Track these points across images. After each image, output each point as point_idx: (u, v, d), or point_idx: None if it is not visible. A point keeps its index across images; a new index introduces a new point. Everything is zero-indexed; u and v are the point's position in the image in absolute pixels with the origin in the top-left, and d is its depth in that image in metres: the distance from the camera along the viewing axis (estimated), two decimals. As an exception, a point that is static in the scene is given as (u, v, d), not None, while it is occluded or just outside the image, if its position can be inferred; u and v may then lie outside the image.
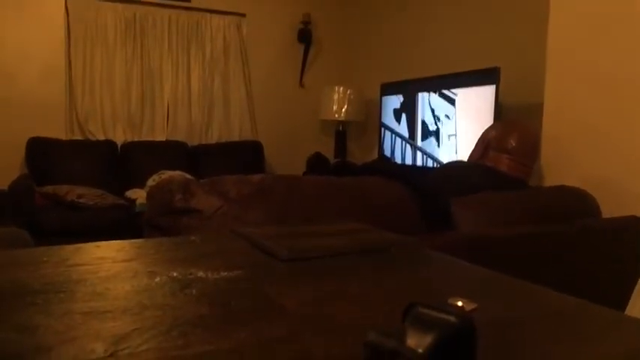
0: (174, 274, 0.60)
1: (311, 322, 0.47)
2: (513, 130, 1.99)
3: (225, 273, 0.61)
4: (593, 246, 1.57)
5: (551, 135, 2.23)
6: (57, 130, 4.06)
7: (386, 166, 1.63)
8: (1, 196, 3.47)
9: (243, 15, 4.68)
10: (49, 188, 3.55)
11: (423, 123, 3.73)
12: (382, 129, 4.19)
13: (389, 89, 4.11)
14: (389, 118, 4.12)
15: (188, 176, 3.69)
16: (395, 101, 4.06)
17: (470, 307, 0.34)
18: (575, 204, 1.72)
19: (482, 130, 2.13)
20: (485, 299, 0.45)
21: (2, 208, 3.36)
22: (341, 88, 4.51)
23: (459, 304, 0.34)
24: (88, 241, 0.78)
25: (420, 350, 0.29)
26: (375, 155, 4.46)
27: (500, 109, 3.07)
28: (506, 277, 0.62)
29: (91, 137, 4.19)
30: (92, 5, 4.17)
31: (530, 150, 1.98)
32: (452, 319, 0.30)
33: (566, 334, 0.46)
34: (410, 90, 3.85)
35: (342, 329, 0.45)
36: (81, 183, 3.68)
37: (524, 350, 0.41)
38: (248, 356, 0.39)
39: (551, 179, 2.19)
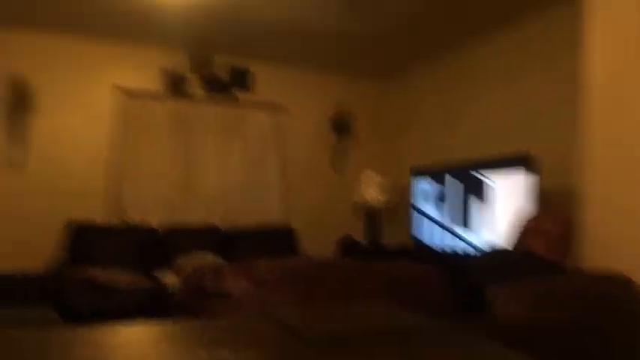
0: (203, 356, 0.59)
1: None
2: (550, 216, 1.97)
3: (253, 354, 0.60)
4: (637, 334, 1.48)
5: (590, 219, 2.17)
6: (96, 214, 4.19)
7: (419, 249, 1.61)
8: (38, 277, 3.54)
9: (281, 108, 4.90)
10: (84, 270, 3.61)
11: (456, 207, 3.70)
12: (413, 211, 4.17)
13: (420, 174, 4.13)
14: (421, 201, 4.10)
15: (217, 259, 3.71)
16: (428, 185, 4.07)
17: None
18: (618, 290, 1.64)
19: (516, 216, 2.11)
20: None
21: (37, 290, 3.41)
22: (374, 174, 4.60)
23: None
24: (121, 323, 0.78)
25: None
26: (406, 238, 4.41)
27: (536, 195, 3.03)
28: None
29: (128, 221, 4.30)
30: (141, 99, 4.46)
31: (567, 235, 1.94)
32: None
33: None
34: (441, 173, 3.86)
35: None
36: (114, 266, 3.74)
37: None
38: None
39: (590, 265, 2.12)
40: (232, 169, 4.70)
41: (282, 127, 4.91)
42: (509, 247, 1.98)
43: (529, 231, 1.95)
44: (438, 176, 3.89)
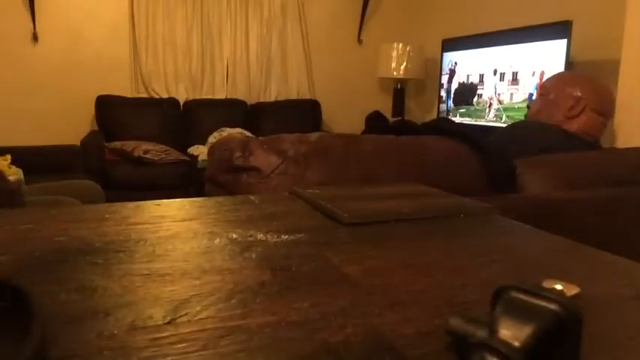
0: (234, 236, 0.58)
1: (377, 293, 0.44)
2: (583, 83, 1.84)
3: (286, 236, 0.59)
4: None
5: (628, 94, 2.06)
6: (124, 88, 4.18)
7: (447, 125, 1.56)
8: (74, 151, 3.64)
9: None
10: (117, 144, 3.69)
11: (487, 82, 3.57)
12: (442, 87, 4.04)
13: (451, 45, 3.93)
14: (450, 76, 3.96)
15: (247, 134, 3.73)
16: (459, 58, 3.89)
17: (571, 291, 0.30)
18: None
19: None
20: (577, 277, 0.40)
21: (75, 163, 3.52)
22: (400, 45, 4.36)
23: (559, 287, 0.29)
24: (153, 195, 0.78)
25: (517, 344, 0.24)
26: (434, 115, 4.32)
27: (572, 67, 2.88)
28: (591, 249, 0.57)
29: (154, 95, 4.29)
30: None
31: (607, 105, 1.84)
32: (554, 307, 0.26)
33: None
34: (473, 46, 3.67)
35: (411, 303, 0.42)
36: (147, 139, 3.80)
37: (634, 340, 0.36)
38: (311, 329, 0.37)
39: (626, 142, 2.04)
40: (252, 39, 4.53)
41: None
42: (541, 124, 1.89)
43: (561, 103, 1.84)
44: (470, 48, 3.70)
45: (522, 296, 0.27)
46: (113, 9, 4.13)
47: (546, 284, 0.30)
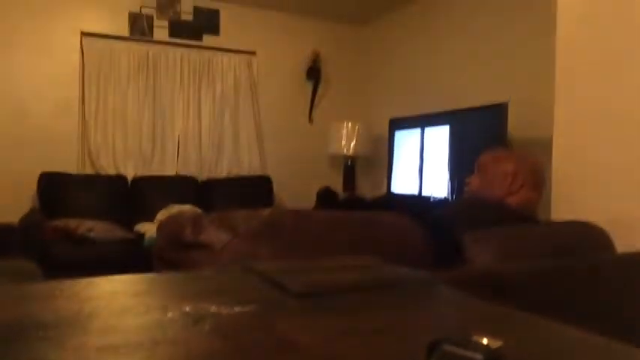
0: (187, 309, 0.59)
1: (325, 359, 0.46)
2: (517, 160, 1.96)
3: (238, 308, 0.60)
4: (608, 282, 1.54)
5: (561, 170, 2.21)
6: (69, 164, 4.11)
7: (395, 200, 1.63)
8: (12, 230, 3.49)
9: (253, 53, 4.78)
10: (59, 222, 3.57)
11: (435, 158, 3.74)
12: (391, 163, 4.20)
13: (397, 124, 4.14)
14: (399, 154, 4.13)
15: (198, 210, 3.70)
16: (406, 136, 4.08)
17: (495, 344, 0.33)
18: (589, 239, 1.69)
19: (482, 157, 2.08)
20: (505, 336, 0.44)
21: (13, 242, 3.37)
22: (349, 124, 4.55)
23: (484, 341, 0.33)
24: (98, 275, 0.78)
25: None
26: (383, 190, 4.45)
27: (509, 145, 3.08)
28: (526, 314, 0.61)
29: (102, 172, 4.23)
30: (107, 43, 4.28)
31: (541, 180, 1.96)
32: (479, 356, 0.29)
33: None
34: (418, 125, 3.87)
35: (359, 367, 0.44)
36: (91, 217, 3.71)
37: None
38: (264, 394, 0.38)
39: (561, 215, 2.17)
40: (204, 117, 4.62)
41: (255, 74, 4.81)
42: (484, 199, 1.99)
43: (492, 172, 1.94)
44: (416, 127, 3.90)
45: (452, 348, 0.30)
46: (63, 86, 4.15)
47: (474, 338, 0.33)
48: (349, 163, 4.74)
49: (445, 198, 3.49)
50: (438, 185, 3.65)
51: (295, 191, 4.75)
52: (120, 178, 4.19)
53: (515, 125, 3.17)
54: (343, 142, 4.55)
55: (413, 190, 3.89)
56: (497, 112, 3.06)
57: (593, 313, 1.45)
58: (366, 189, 5.01)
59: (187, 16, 4.52)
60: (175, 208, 3.85)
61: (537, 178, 1.96)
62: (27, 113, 4.03)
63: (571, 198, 2.17)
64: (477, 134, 3.26)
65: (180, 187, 4.30)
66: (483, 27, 3.74)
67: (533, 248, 1.53)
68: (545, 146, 2.36)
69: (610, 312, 1.51)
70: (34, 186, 3.89)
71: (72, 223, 3.55)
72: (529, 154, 2.07)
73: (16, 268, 2.23)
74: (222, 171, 4.67)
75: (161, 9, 4.42)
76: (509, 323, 0.60)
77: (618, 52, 2.01)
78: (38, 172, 3.89)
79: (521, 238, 1.57)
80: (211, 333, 0.52)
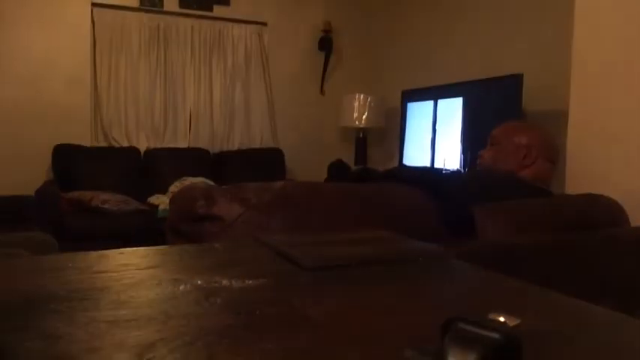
0: (199, 282, 0.59)
1: (338, 333, 0.46)
2: (532, 132, 1.93)
3: (250, 281, 0.60)
4: (621, 255, 1.53)
5: (577, 143, 2.18)
6: (82, 137, 4.13)
7: (407, 172, 1.61)
8: (28, 201, 3.54)
9: (264, 24, 4.71)
10: (74, 194, 3.61)
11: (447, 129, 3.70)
12: (402, 135, 4.16)
13: (410, 96, 4.09)
14: (411, 126, 4.09)
15: (210, 183, 3.72)
16: (418, 108, 4.03)
17: (513, 322, 0.33)
18: (603, 212, 1.67)
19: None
20: (523, 313, 0.43)
21: (29, 214, 3.42)
22: (361, 96, 4.50)
23: (501, 319, 0.32)
24: (111, 246, 0.78)
25: (462, 369, 0.27)
26: (395, 162, 4.43)
27: (524, 117, 3.03)
28: (540, 288, 0.60)
29: (115, 144, 4.25)
30: (117, 15, 4.24)
31: (555, 153, 1.94)
32: (496, 335, 0.28)
33: (612, 348, 0.44)
34: (431, 97, 3.82)
35: (370, 342, 0.44)
36: (105, 189, 3.74)
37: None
38: (275, 369, 0.38)
39: (576, 188, 2.14)
40: (215, 89, 4.59)
41: (266, 45, 4.75)
42: (498, 172, 1.96)
43: (512, 151, 1.92)
44: (429, 99, 3.85)
45: (468, 327, 0.29)
46: (74, 57, 4.14)
47: (490, 316, 0.32)
48: (361, 135, 4.71)
49: (457, 170, 3.46)
50: (450, 158, 3.62)
51: (307, 163, 4.74)
52: (133, 151, 4.21)
53: (530, 97, 3.11)
54: (355, 115, 4.51)
55: (425, 163, 3.87)
56: (512, 84, 3.01)
57: (606, 286, 1.44)
58: (378, 161, 4.98)
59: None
60: (188, 181, 3.87)
61: (551, 151, 1.93)
62: (39, 86, 4.04)
63: (586, 171, 2.14)
64: (491, 106, 3.21)
65: (193, 160, 4.31)
66: (500, -5, 3.65)
67: (546, 221, 1.52)
68: (560, 118, 2.32)
69: (624, 286, 1.50)
70: (48, 159, 3.93)
71: (86, 194, 3.58)
72: (543, 126, 2.03)
73: (33, 239, 2.26)
74: (234, 143, 4.67)
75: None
76: (526, 298, 0.59)
77: (637, 21, 1.95)
78: (52, 144, 3.91)
79: (533, 211, 1.55)
80: (223, 307, 0.52)
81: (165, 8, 4.37)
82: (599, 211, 1.67)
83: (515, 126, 2.02)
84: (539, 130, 1.95)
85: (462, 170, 3.47)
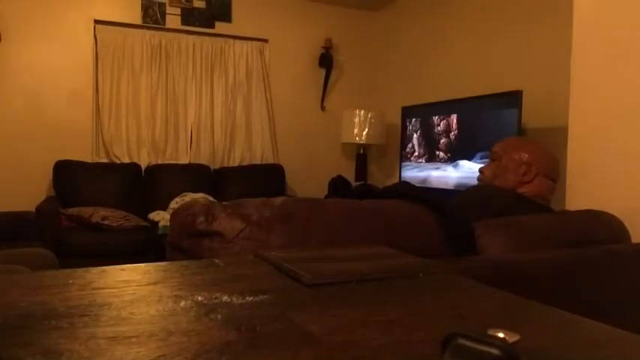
0: (200, 299, 0.59)
1: (339, 350, 0.46)
2: (532, 149, 1.93)
3: (251, 298, 0.60)
4: (622, 271, 1.52)
5: (577, 160, 2.18)
6: (83, 153, 4.14)
7: (408, 189, 1.61)
8: (29, 218, 3.54)
9: (265, 40, 4.76)
10: (74, 210, 3.61)
11: (445, 145, 3.71)
12: (403, 151, 4.17)
13: (410, 113, 4.11)
14: (411, 140, 4.10)
15: (211, 199, 3.72)
16: (418, 124, 4.05)
17: (512, 338, 0.33)
18: (604, 229, 1.67)
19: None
20: (523, 329, 0.43)
21: (29, 230, 3.42)
22: (362, 112, 4.52)
23: (501, 335, 0.32)
24: (111, 262, 0.78)
25: (462, 385, 0.27)
26: (396, 179, 4.43)
27: (524, 134, 3.04)
28: (540, 304, 0.60)
29: (116, 160, 4.26)
30: (120, 32, 4.28)
31: (555, 170, 1.94)
32: (495, 351, 0.28)
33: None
34: (431, 113, 3.84)
35: (372, 358, 0.44)
36: (106, 205, 3.74)
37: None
38: (276, 386, 0.38)
39: (576, 205, 2.14)
40: (217, 105, 4.62)
41: (267, 61, 4.79)
42: (497, 187, 1.96)
43: (513, 168, 1.92)
44: (428, 115, 3.87)
45: (467, 342, 0.29)
46: (76, 73, 4.17)
47: (490, 332, 0.32)
48: (361, 151, 4.72)
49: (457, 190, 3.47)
50: (447, 175, 3.63)
51: (307, 180, 4.74)
52: (134, 167, 4.22)
53: (530, 114, 3.13)
54: (355, 131, 4.53)
55: (426, 180, 3.87)
56: (511, 100, 3.02)
57: (607, 303, 1.44)
58: (379, 178, 4.99)
59: (199, 3, 4.51)
60: (188, 197, 3.87)
61: (552, 168, 1.94)
62: (41, 102, 4.07)
63: (586, 187, 2.14)
64: (491, 123, 3.22)
65: (194, 176, 4.32)
66: (497, 14, 3.69)
67: (547, 237, 1.52)
68: (560, 136, 2.33)
69: (625, 302, 1.49)
70: (49, 175, 3.94)
71: (86, 211, 3.58)
72: (544, 143, 2.04)
73: (33, 255, 2.26)
74: (235, 159, 4.68)
75: (173, -3, 4.42)
76: (526, 314, 0.59)
77: (636, 40, 1.96)
78: (54, 161, 3.92)
79: (534, 228, 1.55)
80: (224, 323, 0.52)
81: (168, 25, 4.41)
82: (600, 227, 1.67)
83: (516, 142, 2.03)
84: (540, 147, 1.95)
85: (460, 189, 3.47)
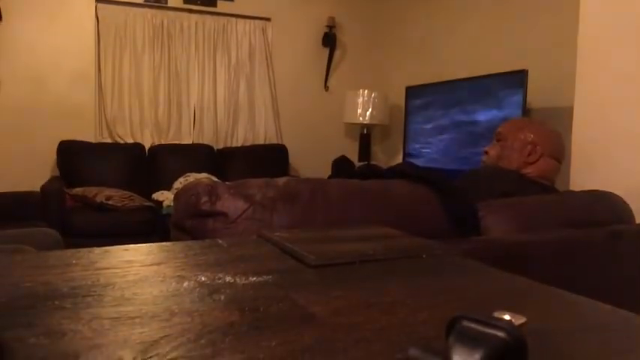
0: (203, 279, 0.59)
1: (342, 331, 0.46)
2: (537, 130, 1.91)
3: (254, 278, 0.60)
4: (627, 252, 1.52)
5: (581, 140, 2.17)
6: (87, 133, 4.14)
7: (411, 169, 1.61)
8: (33, 197, 3.56)
9: (268, 19, 4.71)
10: (78, 190, 3.62)
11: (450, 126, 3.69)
12: (406, 131, 4.15)
13: (414, 93, 4.07)
14: (414, 121, 4.08)
15: (214, 179, 3.72)
16: (422, 104, 4.02)
17: (518, 320, 0.32)
18: (608, 209, 1.66)
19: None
20: (528, 311, 0.43)
21: (34, 209, 3.44)
22: (365, 92, 4.49)
23: (507, 317, 0.32)
24: (116, 242, 0.78)
25: (467, 368, 0.27)
26: (399, 159, 4.42)
27: (529, 114, 3.02)
28: (545, 286, 0.60)
29: (119, 140, 4.26)
30: (121, 12, 4.24)
31: (560, 151, 1.93)
32: (501, 334, 0.28)
33: (620, 348, 0.44)
34: (435, 93, 3.81)
35: (375, 340, 0.44)
36: (110, 185, 3.75)
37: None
38: (279, 367, 0.38)
39: (581, 185, 2.13)
40: (219, 85, 4.59)
41: (270, 41, 4.75)
42: (501, 169, 1.95)
43: (518, 147, 1.90)
44: (433, 94, 3.84)
45: (473, 325, 0.29)
46: (78, 55, 4.15)
47: (495, 315, 0.32)
48: (365, 131, 4.70)
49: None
50: (452, 155, 3.61)
51: (311, 160, 4.73)
52: (137, 147, 4.22)
53: (535, 94, 3.10)
54: (359, 111, 4.50)
55: (430, 160, 3.86)
56: (516, 80, 2.99)
57: (611, 284, 1.44)
58: (382, 158, 4.98)
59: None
60: (192, 177, 3.88)
61: (557, 149, 1.92)
62: (44, 83, 4.05)
63: (591, 168, 2.13)
64: (496, 102, 3.20)
65: (197, 156, 4.32)
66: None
67: (551, 218, 1.51)
68: (565, 115, 2.31)
69: (629, 282, 1.50)
70: (53, 155, 3.94)
71: (91, 191, 3.59)
72: (549, 123, 2.02)
73: (38, 235, 2.27)
74: (238, 139, 4.67)
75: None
76: (531, 296, 0.59)
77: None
78: (57, 141, 3.92)
79: (538, 208, 1.55)
80: (227, 304, 0.52)
81: (170, 4, 4.37)
82: (604, 208, 1.67)
83: (521, 122, 2.01)
84: (545, 127, 1.94)
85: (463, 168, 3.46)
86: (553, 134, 1.94)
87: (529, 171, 1.87)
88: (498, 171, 1.91)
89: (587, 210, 1.63)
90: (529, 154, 1.87)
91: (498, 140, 1.97)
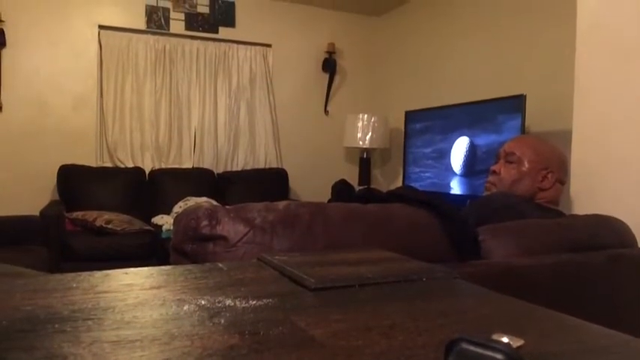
0: (203, 303, 0.59)
1: (342, 354, 0.46)
2: (552, 154, 1.88)
3: (254, 301, 0.60)
4: (627, 276, 1.51)
5: (581, 163, 2.17)
6: (88, 157, 4.16)
7: (411, 193, 1.60)
8: (33, 221, 3.55)
9: (269, 45, 4.77)
10: (78, 214, 3.62)
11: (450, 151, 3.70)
12: (406, 155, 4.17)
13: (414, 117, 4.10)
14: (414, 145, 4.09)
15: (214, 203, 3.73)
16: (422, 128, 4.04)
17: (517, 343, 0.32)
18: (611, 234, 1.66)
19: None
20: (526, 333, 0.43)
21: (33, 234, 3.43)
22: (365, 116, 4.53)
23: (505, 340, 0.32)
24: (115, 266, 0.78)
25: (466, 390, 0.27)
26: (399, 183, 4.43)
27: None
28: (545, 310, 0.60)
29: (120, 164, 4.27)
30: (124, 37, 4.30)
31: (567, 174, 1.92)
32: (499, 356, 0.28)
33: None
34: (435, 118, 3.84)
35: (375, 363, 0.44)
36: (110, 209, 3.75)
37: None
38: (279, 390, 0.38)
39: (582, 209, 2.13)
40: (220, 109, 4.63)
41: (270, 66, 4.80)
42: (518, 197, 1.89)
43: (528, 171, 1.87)
44: (432, 119, 3.87)
45: (472, 347, 0.29)
46: (81, 80, 4.19)
47: (494, 337, 0.32)
48: (365, 155, 4.72)
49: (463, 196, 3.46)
50: (454, 180, 3.62)
51: (311, 184, 4.74)
52: (137, 171, 4.23)
53: (534, 118, 3.12)
54: (359, 135, 4.53)
55: (430, 185, 3.87)
56: (515, 104, 3.02)
57: (613, 308, 1.43)
58: (382, 182, 4.99)
59: (203, 8, 4.53)
60: (192, 201, 3.88)
61: (565, 171, 1.91)
62: (46, 107, 4.09)
63: (591, 191, 2.13)
64: (495, 127, 3.22)
65: (197, 180, 4.33)
66: (500, 19, 3.69)
67: (552, 242, 1.51)
68: (564, 138, 2.32)
69: (630, 307, 1.49)
70: (53, 179, 3.95)
71: (90, 215, 3.59)
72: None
73: (36, 259, 2.25)
74: (239, 164, 4.69)
75: (177, 1, 4.43)
76: (530, 319, 0.59)
77: (637, 43, 1.96)
78: (58, 165, 3.94)
79: (539, 232, 1.54)
80: (227, 327, 0.52)
81: (172, 30, 4.43)
82: (607, 232, 1.66)
83: (535, 144, 1.92)
84: (556, 149, 1.90)
85: (464, 194, 3.47)
86: (562, 157, 1.91)
87: (542, 197, 1.85)
88: (514, 201, 1.83)
89: (589, 234, 1.62)
90: (542, 180, 1.85)
91: (509, 161, 1.92)
